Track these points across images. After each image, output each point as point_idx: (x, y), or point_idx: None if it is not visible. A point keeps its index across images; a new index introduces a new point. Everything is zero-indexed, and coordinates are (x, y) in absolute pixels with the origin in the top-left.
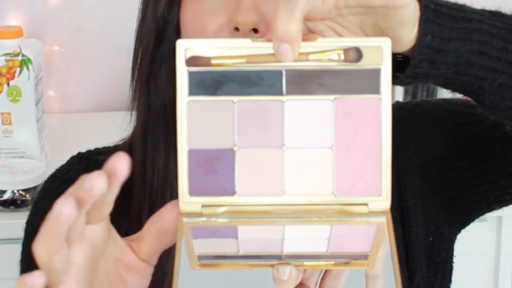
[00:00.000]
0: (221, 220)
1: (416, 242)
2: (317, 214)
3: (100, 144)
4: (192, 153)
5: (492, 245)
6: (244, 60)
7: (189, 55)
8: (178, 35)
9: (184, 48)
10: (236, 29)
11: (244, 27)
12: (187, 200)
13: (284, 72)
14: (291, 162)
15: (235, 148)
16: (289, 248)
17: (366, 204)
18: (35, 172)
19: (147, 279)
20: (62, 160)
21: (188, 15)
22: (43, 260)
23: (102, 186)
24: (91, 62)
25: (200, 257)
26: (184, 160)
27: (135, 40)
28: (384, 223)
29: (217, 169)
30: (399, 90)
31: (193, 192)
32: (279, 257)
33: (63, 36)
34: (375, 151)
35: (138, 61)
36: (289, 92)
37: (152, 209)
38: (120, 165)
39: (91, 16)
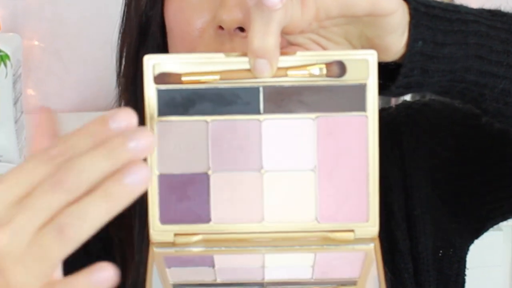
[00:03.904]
0: (195, 249)
1: (424, 254)
2: (299, 242)
3: None
4: (163, 178)
5: (508, 255)
6: (217, 76)
7: (157, 71)
8: (162, 33)
9: (152, 64)
10: (221, 27)
11: (229, 25)
12: (158, 229)
13: (261, 89)
14: (270, 187)
15: (210, 172)
16: (271, 275)
17: (352, 231)
18: None
19: None
20: None
21: (171, 11)
22: None
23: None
24: (74, 58)
25: (175, 286)
26: (154, 186)
27: (118, 36)
28: (372, 251)
29: (190, 195)
30: None
31: (164, 220)
32: (260, 285)
33: (44, 29)
34: (361, 173)
35: (123, 59)
36: (267, 111)
37: (143, 215)
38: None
39: (74, 8)
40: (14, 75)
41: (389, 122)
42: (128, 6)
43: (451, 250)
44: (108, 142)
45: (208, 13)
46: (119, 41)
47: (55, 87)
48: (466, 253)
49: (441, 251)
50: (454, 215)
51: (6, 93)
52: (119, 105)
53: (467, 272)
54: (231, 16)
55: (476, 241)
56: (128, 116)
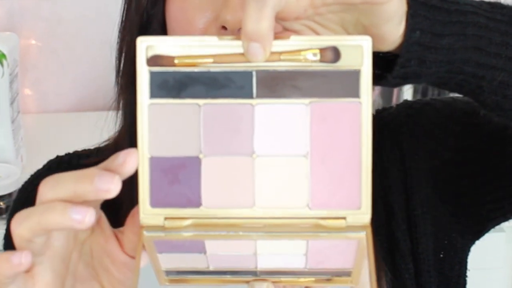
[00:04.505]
0: (185, 234)
1: (425, 255)
2: (290, 228)
3: (81, 147)
4: (154, 161)
5: (510, 257)
6: (211, 59)
7: (150, 54)
8: (163, 31)
9: (145, 46)
10: (224, 27)
11: (232, 26)
12: (148, 212)
13: (254, 73)
14: (262, 172)
15: (201, 156)
16: (264, 263)
17: (344, 218)
18: (10, 178)
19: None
20: (39, 164)
21: (173, 10)
22: (23, 240)
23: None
24: (71, 57)
25: (168, 273)
26: (145, 169)
27: (118, 34)
28: (364, 239)
29: (181, 179)
30: (408, 87)
31: (155, 203)
32: (254, 273)
33: (41, 28)
34: (354, 160)
35: (123, 57)
36: (260, 95)
37: None
38: (130, 161)
39: (72, 7)
40: (10, 74)
41: (389, 122)
42: (128, 4)
43: (452, 251)
44: (83, 172)
45: (211, 12)
46: (119, 39)
47: (53, 87)
48: (467, 254)
49: (442, 252)
50: (454, 216)
51: (2, 92)
52: (118, 104)
53: (468, 273)
54: (235, 17)
55: (478, 243)
56: (112, 179)
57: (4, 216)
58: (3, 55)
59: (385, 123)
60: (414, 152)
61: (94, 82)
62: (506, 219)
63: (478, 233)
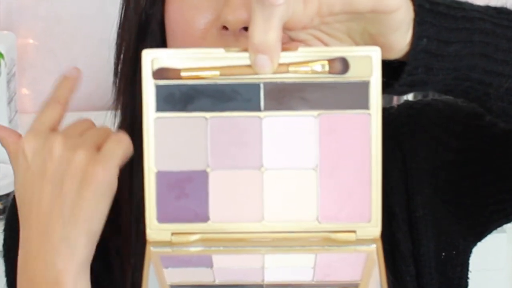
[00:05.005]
0: (193, 249)
1: (426, 256)
2: (299, 242)
3: None
4: (160, 175)
5: (511, 258)
6: (217, 72)
7: (156, 66)
8: (162, 32)
9: (151, 59)
10: (225, 27)
11: (234, 26)
12: (155, 227)
13: (262, 85)
14: (270, 185)
15: (208, 170)
16: (271, 277)
17: (354, 231)
18: (8, 178)
19: None
20: None
21: (172, 11)
22: None
23: None
24: (69, 57)
25: (173, 287)
26: (151, 183)
27: (117, 34)
28: (374, 252)
29: (188, 193)
30: None
31: (162, 218)
32: (260, 286)
33: (39, 28)
34: (363, 172)
35: (121, 58)
36: (267, 108)
37: (140, 219)
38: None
39: (69, 6)
40: (8, 74)
41: (390, 122)
42: (126, 4)
43: (454, 252)
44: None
45: (211, 13)
46: (118, 38)
47: (50, 87)
48: (469, 256)
49: (443, 254)
50: (456, 217)
51: (0, 92)
52: (117, 106)
53: (470, 275)
54: (236, 16)
55: (479, 244)
56: None
57: (2, 216)
58: (1, 54)
59: (385, 124)
60: (415, 152)
61: (92, 82)
62: (508, 220)
63: (480, 235)
